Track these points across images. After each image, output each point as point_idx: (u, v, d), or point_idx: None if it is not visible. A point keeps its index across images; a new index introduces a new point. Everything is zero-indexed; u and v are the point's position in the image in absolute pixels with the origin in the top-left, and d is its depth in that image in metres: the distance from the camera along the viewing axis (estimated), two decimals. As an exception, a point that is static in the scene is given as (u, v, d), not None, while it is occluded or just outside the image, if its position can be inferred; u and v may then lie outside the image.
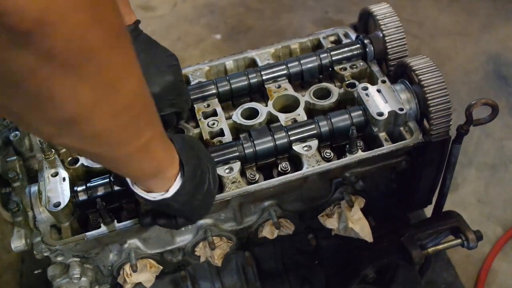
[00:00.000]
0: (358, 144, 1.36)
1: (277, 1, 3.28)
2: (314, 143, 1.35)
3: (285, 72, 1.51)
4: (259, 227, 1.43)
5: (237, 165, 1.32)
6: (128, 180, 1.08)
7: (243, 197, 1.31)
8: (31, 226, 1.26)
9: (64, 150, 1.39)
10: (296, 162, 1.36)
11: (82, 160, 1.38)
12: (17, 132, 1.36)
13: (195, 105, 1.48)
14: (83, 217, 1.34)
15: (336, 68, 1.52)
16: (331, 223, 1.42)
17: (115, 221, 1.26)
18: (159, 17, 3.30)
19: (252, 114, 1.45)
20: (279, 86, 1.50)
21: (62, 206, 1.23)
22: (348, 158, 1.33)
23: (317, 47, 1.63)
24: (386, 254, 1.47)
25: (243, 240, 1.48)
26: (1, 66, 0.64)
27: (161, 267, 1.40)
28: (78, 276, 1.29)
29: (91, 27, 0.66)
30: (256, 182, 1.33)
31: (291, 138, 1.35)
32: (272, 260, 1.68)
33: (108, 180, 1.30)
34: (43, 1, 0.60)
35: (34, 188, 1.29)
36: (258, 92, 1.54)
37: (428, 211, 1.65)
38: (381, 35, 1.46)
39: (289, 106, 1.48)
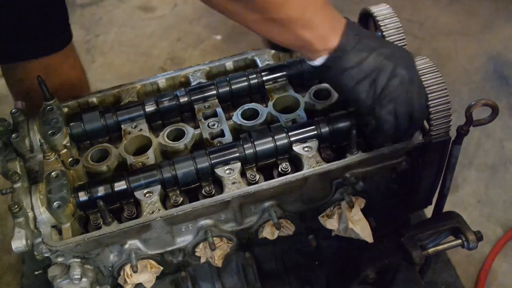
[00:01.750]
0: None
1: (278, 2, 3.28)
2: (315, 143, 1.35)
3: (285, 73, 1.51)
4: (259, 228, 1.43)
5: (237, 166, 1.32)
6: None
7: (244, 198, 1.31)
8: (31, 227, 1.26)
9: (64, 151, 1.39)
10: (297, 162, 1.36)
11: (83, 161, 1.38)
12: (17, 133, 1.36)
13: (195, 106, 1.48)
14: (84, 218, 1.34)
15: (336, 68, 1.52)
16: (332, 224, 1.42)
17: (116, 221, 1.26)
18: (159, 17, 3.30)
19: (252, 115, 1.46)
20: (280, 87, 1.50)
21: (62, 207, 1.23)
22: (349, 159, 1.33)
23: (317, 47, 1.63)
24: (386, 255, 1.47)
25: (244, 240, 1.48)
26: None
27: (162, 268, 1.40)
28: (79, 276, 1.28)
29: None
30: (257, 182, 1.33)
31: (291, 139, 1.35)
32: (272, 260, 1.68)
33: (108, 180, 1.31)
34: None
35: (34, 189, 1.29)
36: (258, 93, 1.54)
37: (429, 211, 1.65)
38: (381, 35, 1.46)
39: (289, 106, 1.48)
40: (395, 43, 1.44)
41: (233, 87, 1.50)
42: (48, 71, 1.67)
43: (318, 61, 1.22)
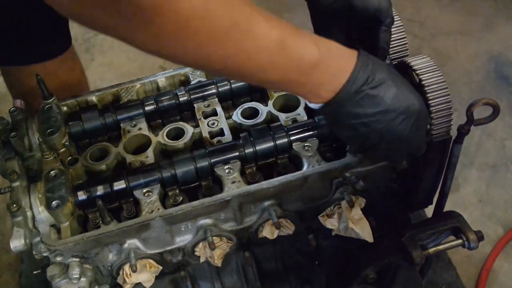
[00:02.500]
0: (358, 144, 1.35)
1: (278, 0, 3.28)
2: (315, 143, 1.35)
3: (285, 71, 1.51)
4: (259, 227, 1.42)
5: (237, 165, 1.32)
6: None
7: (243, 197, 1.30)
8: (30, 226, 1.25)
9: (63, 150, 1.38)
10: (297, 162, 1.36)
11: (82, 160, 1.37)
12: (16, 132, 1.36)
13: (195, 105, 1.48)
14: (83, 217, 1.34)
15: (337, 67, 1.51)
16: (332, 223, 1.42)
17: (115, 221, 1.26)
18: (159, 16, 3.30)
19: (252, 113, 1.45)
20: (280, 86, 1.50)
21: (61, 206, 1.23)
22: (349, 158, 1.32)
23: (318, 46, 1.62)
24: (386, 255, 1.46)
25: (243, 240, 1.47)
26: None
27: (161, 267, 1.40)
28: (78, 276, 1.28)
29: None
30: (256, 182, 1.33)
31: (291, 138, 1.35)
32: (272, 260, 1.67)
33: (107, 179, 1.30)
34: None
35: (33, 188, 1.29)
36: (258, 92, 1.53)
37: (429, 211, 1.64)
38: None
39: (290, 105, 1.48)
40: (396, 42, 1.44)
41: (233, 86, 1.50)
42: (45, 75, 1.66)
43: (313, 105, 1.13)
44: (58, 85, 1.75)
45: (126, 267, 1.35)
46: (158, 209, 1.27)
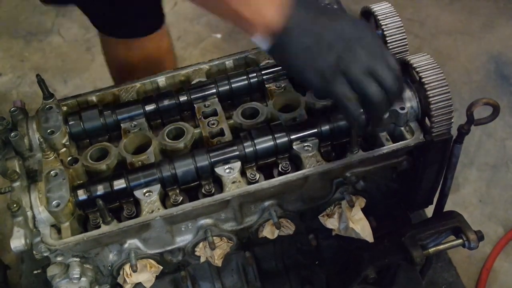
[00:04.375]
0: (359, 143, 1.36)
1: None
2: (315, 142, 1.35)
3: (286, 71, 1.51)
4: (259, 227, 1.43)
5: (237, 165, 1.32)
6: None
7: (244, 197, 1.30)
8: (30, 226, 1.25)
9: (64, 149, 1.38)
10: (297, 162, 1.36)
11: (82, 160, 1.37)
12: (16, 132, 1.36)
13: (195, 105, 1.48)
14: (83, 217, 1.34)
15: (337, 67, 1.51)
16: (332, 223, 1.42)
17: (115, 221, 1.26)
18: (159, 16, 3.29)
19: (252, 113, 1.45)
20: (280, 86, 1.50)
21: (61, 206, 1.23)
22: (349, 158, 1.32)
23: (318, 46, 1.62)
24: (387, 255, 1.47)
25: (244, 240, 1.47)
26: None
27: (161, 267, 1.40)
28: (78, 276, 1.28)
29: None
30: (257, 182, 1.33)
31: (291, 138, 1.35)
32: (272, 260, 1.67)
33: (108, 179, 1.30)
34: None
35: (33, 188, 1.29)
36: (259, 92, 1.53)
37: (429, 211, 1.64)
38: (382, 34, 1.45)
39: (290, 105, 1.47)
40: (396, 42, 1.44)
41: (233, 86, 1.50)
42: (151, 48, 1.98)
43: (264, 45, 1.13)
44: (146, 59, 1.99)
45: (127, 267, 1.35)
46: (159, 209, 1.27)
